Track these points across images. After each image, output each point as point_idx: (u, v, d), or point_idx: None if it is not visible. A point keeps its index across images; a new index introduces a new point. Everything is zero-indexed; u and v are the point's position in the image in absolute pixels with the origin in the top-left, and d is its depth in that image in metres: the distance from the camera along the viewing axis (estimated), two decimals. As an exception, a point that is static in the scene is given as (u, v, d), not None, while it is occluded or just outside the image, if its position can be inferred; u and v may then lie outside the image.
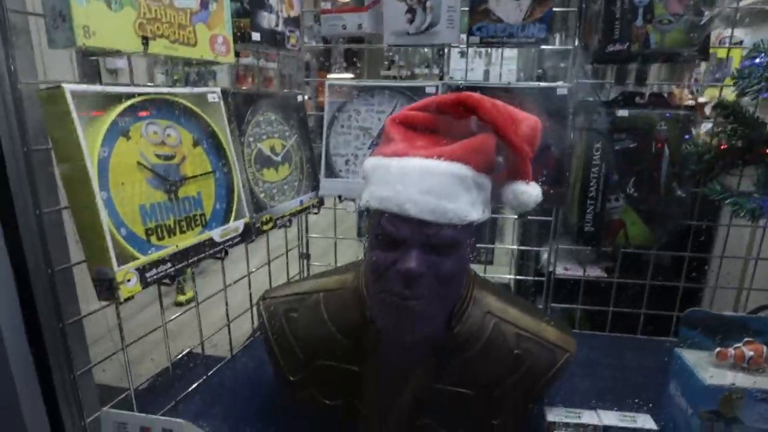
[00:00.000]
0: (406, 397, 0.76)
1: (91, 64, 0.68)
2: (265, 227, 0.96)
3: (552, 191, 1.09)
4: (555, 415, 0.80)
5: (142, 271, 0.69)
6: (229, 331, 1.04)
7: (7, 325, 0.65)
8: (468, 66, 1.18)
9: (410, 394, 0.76)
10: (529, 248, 1.45)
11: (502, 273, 1.52)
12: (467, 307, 0.76)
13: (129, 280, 0.67)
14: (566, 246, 1.19)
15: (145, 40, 0.68)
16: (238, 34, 0.89)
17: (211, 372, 0.98)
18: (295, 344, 0.80)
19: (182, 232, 0.78)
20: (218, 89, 0.86)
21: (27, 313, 0.67)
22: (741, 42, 1.33)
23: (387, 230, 0.65)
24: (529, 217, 1.19)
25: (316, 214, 1.20)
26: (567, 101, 1.07)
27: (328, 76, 1.10)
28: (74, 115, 0.61)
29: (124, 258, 0.67)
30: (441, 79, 1.29)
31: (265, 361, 0.86)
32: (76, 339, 0.73)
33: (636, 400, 0.88)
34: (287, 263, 1.27)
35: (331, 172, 1.15)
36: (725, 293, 1.23)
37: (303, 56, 1.23)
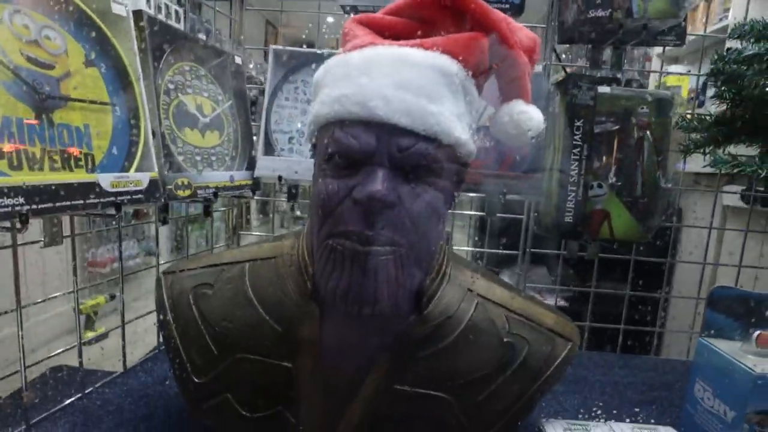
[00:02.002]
0: (359, 404, 0.54)
1: None
2: (180, 192, 0.74)
3: (526, 178, 0.96)
4: (555, 428, 0.60)
5: (-29, 199, 0.46)
6: (123, 337, 0.78)
7: None
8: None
9: (364, 400, 0.54)
10: (499, 251, 1.30)
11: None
12: (441, 282, 0.57)
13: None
14: (537, 250, 1.04)
15: None
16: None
17: (89, 390, 0.71)
18: (207, 331, 0.57)
19: (53, 168, 0.56)
20: (127, 2, 0.67)
21: None
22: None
23: (343, 144, 0.46)
24: (498, 215, 1.04)
25: (250, 198, 0.99)
26: (543, 80, 0.96)
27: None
28: None
29: (-61, 173, 0.44)
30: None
31: (170, 375, 0.62)
32: None
33: (640, 417, 0.71)
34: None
35: (271, 151, 0.96)
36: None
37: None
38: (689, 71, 1.40)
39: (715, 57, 0.88)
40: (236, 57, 0.95)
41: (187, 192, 0.76)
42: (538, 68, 0.96)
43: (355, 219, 0.45)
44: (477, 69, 0.51)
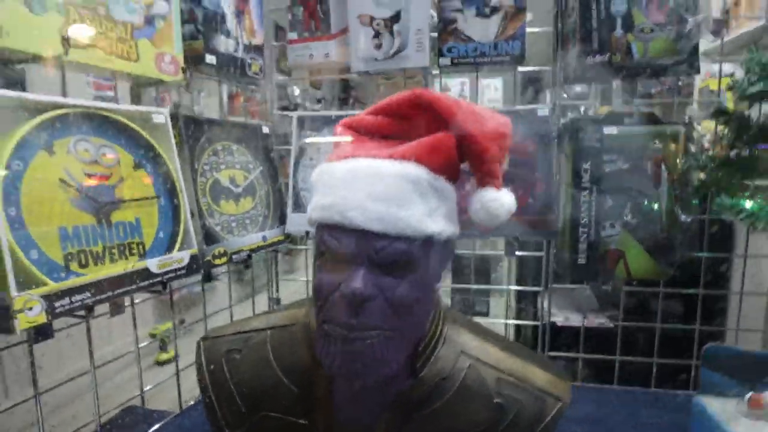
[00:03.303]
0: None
1: (13, 70, 0.62)
2: (217, 261, 0.86)
3: (539, 220, 1.00)
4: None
5: (50, 299, 0.60)
6: (178, 382, 0.92)
7: None
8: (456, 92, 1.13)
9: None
10: (521, 288, 1.33)
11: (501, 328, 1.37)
12: (436, 346, 0.64)
13: (30, 309, 0.57)
14: (560, 285, 1.07)
15: (66, 44, 0.62)
16: (192, 56, 0.84)
17: (152, 429, 0.85)
18: (236, 392, 0.67)
19: (113, 260, 0.69)
20: (166, 110, 0.80)
21: None
22: (732, 74, 1.28)
23: (330, 245, 0.55)
24: (518, 253, 1.08)
25: (286, 254, 1.10)
26: (549, 123, 1.00)
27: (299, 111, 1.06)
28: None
29: (28, 283, 0.58)
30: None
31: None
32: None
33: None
34: (253, 309, 1.15)
35: (299, 207, 1.07)
36: (749, 336, 1.09)
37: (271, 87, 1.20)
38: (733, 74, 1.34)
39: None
40: (264, 127, 1.06)
41: (224, 259, 0.88)
42: (545, 111, 0.99)
43: (342, 310, 0.54)
44: (447, 164, 0.57)
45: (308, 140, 1.06)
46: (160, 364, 2.26)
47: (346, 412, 0.63)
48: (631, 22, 0.90)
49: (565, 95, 1.05)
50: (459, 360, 0.64)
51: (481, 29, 0.97)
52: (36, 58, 0.61)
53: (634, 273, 0.95)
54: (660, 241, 0.95)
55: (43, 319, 0.58)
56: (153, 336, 2.22)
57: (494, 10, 0.95)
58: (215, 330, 0.76)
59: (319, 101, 3.27)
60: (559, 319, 1.27)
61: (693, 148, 0.95)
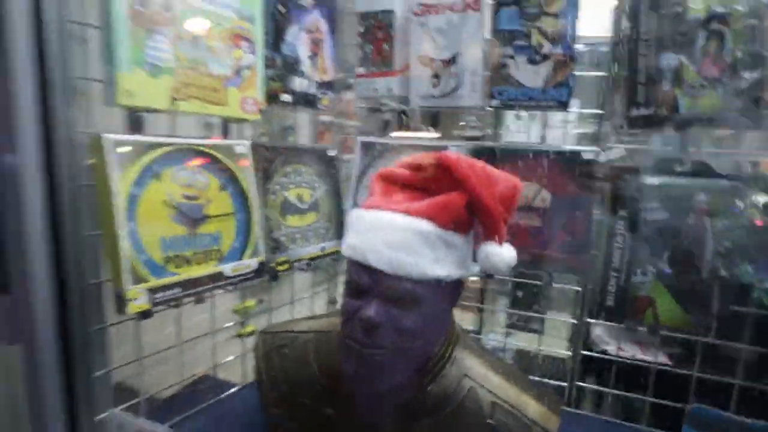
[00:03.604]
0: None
1: (136, 117, 0.82)
2: (280, 267, 1.04)
3: (574, 259, 1.05)
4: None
5: (151, 291, 0.80)
6: (243, 361, 1.12)
7: (44, 328, 0.78)
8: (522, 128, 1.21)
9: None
10: (557, 317, 1.37)
11: (559, 347, 1.41)
12: (443, 366, 0.76)
13: (137, 299, 0.78)
14: (594, 321, 1.11)
15: (175, 101, 0.81)
16: (271, 95, 1.01)
17: (221, 396, 1.05)
18: (282, 379, 0.84)
19: (198, 263, 0.89)
20: (247, 142, 0.98)
21: (61, 318, 0.80)
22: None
23: (353, 278, 0.69)
24: (554, 285, 1.14)
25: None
26: (593, 166, 1.04)
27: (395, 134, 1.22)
28: (108, 158, 0.75)
29: (137, 279, 0.78)
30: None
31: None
32: (97, 345, 0.84)
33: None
34: (312, 307, 1.33)
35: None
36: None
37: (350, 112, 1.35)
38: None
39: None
40: (329, 150, 1.22)
41: (286, 266, 1.05)
42: (590, 155, 1.04)
43: (358, 330, 0.67)
44: (456, 220, 0.68)
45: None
46: (240, 336, 2.58)
47: (361, 410, 0.77)
48: (681, 77, 0.91)
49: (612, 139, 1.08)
50: (462, 381, 0.75)
51: (531, 75, 1.03)
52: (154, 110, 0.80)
53: (663, 321, 0.97)
54: (695, 294, 0.96)
55: (146, 306, 0.79)
56: (236, 312, 2.53)
57: (544, 58, 1.02)
58: (273, 326, 0.94)
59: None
60: (611, 348, 1.25)
61: (742, 206, 0.95)
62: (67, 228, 0.78)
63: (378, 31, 1.18)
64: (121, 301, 0.77)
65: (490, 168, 0.71)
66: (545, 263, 1.07)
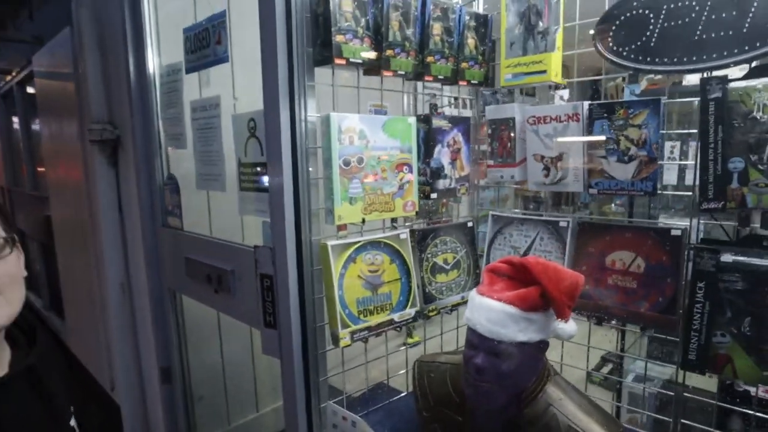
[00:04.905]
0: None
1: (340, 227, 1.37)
2: (431, 313, 1.50)
3: (663, 318, 1.28)
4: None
5: (352, 333, 1.33)
6: (406, 373, 1.61)
7: (296, 350, 1.37)
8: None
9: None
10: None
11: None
12: (536, 396, 1.12)
13: (344, 337, 1.31)
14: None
15: (363, 220, 1.34)
16: (423, 194, 1.48)
17: (392, 399, 1.56)
18: (429, 393, 1.30)
19: (377, 313, 1.40)
20: (407, 230, 1.47)
21: (304, 345, 1.38)
22: None
23: (469, 337, 1.11)
24: (647, 334, 1.36)
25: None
26: (680, 241, 1.26)
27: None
28: (329, 253, 1.30)
29: (344, 325, 1.32)
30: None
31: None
32: (321, 362, 1.41)
33: None
34: (456, 334, 1.76)
35: (489, 277, 1.60)
36: None
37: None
38: None
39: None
40: (468, 222, 1.64)
41: (434, 312, 1.51)
42: (677, 232, 1.26)
43: (472, 370, 1.09)
44: (533, 305, 1.04)
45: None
46: (409, 345, 3.14)
47: (478, 420, 1.18)
48: (747, 177, 1.10)
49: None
50: (549, 408, 1.11)
51: (621, 171, 1.30)
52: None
53: (740, 376, 1.15)
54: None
55: (348, 343, 1.32)
56: (407, 344, 3.09)
57: (631, 158, 1.28)
58: (424, 356, 1.41)
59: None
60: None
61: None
62: (308, 292, 1.37)
63: (503, 132, 1.56)
64: (335, 338, 1.32)
65: (560, 268, 1.06)
66: (640, 318, 1.32)
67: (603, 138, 1.32)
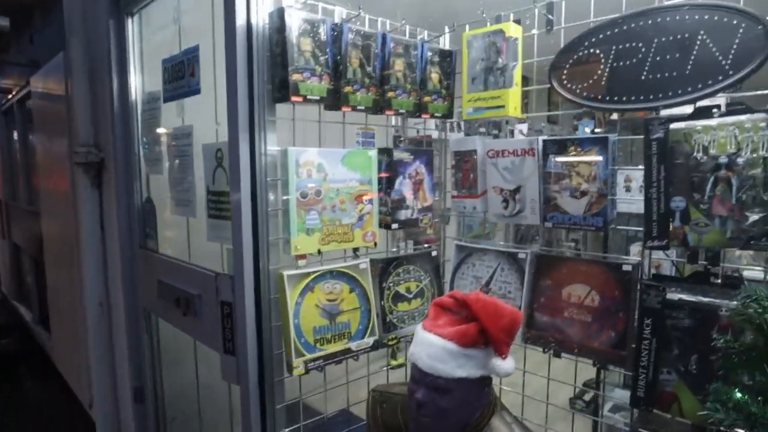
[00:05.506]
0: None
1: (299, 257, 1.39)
2: (390, 342, 1.51)
3: (614, 353, 1.29)
4: None
5: (306, 362, 1.35)
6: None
7: (252, 376, 1.39)
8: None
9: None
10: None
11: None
12: (481, 430, 1.13)
13: (298, 366, 1.33)
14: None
15: (319, 251, 1.36)
16: (384, 225, 1.51)
17: (349, 429, 1.57)
18: (381, 423, 1.31)
19: (335, 342, 1.42)
20: (367, 260, 1.49)
21: (260, 371, 1.40)
22: None
23: (412, 373, 1.12)
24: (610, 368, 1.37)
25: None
26: (632, 276, 1.27)
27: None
28: (285, 283, 1.32)
29: (298, 354, 1.34)
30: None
31: None
32: (278, 388, 1.42)
33: None
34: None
35: (452, 306, 1.62)
36: None
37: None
38: None
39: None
40: (433, 251, 1.66)
41: (394, 341, 1.52)
42: (628, 267, 1.27)
43: (414, 405, 1.10)
44: (472, 341, 1.06)
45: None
46: (392, 367, 3.13)
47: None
48: (689, 216, 1.12)
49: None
50: (495, 441, 1.12)
51: (574, 206, 1.32)
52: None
53: (686, 415, 1.15)
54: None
55: (302, 372, 1.34)
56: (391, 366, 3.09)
57: (583, 194, 1.30)
58: (380, 386, 1.41)
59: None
60: None
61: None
62: (266, 320, 1.39)
63: (465, 164, 1.59)
64: (289, 367, 1.33)
65: (500, 304, 1.08)
66: (591, 353, 1.33)
67: (557, 171, 1.34)
